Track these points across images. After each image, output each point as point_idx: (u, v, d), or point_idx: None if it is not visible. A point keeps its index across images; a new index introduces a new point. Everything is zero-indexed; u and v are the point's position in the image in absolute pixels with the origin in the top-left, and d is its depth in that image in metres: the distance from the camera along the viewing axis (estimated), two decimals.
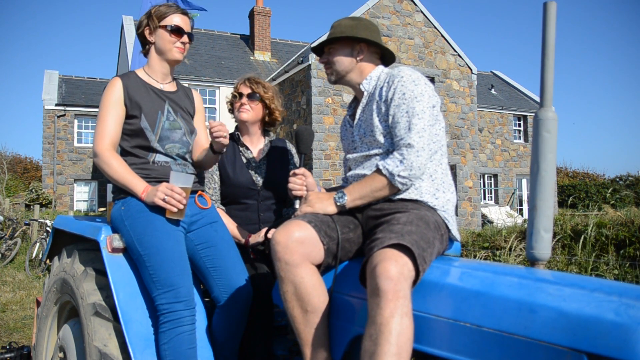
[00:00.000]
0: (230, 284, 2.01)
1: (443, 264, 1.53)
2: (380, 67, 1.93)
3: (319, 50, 2.00)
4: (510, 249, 5.50)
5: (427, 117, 1.68)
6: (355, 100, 1.99)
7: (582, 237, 5.16)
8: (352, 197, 1.71)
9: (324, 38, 1.95)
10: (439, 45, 16.83)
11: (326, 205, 1.72)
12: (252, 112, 2.43)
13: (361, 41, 1.88)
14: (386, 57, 1.99)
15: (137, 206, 1.93)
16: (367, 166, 1.82)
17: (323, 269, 1.63)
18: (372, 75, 1.89)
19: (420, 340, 1.34)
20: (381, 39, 1.94)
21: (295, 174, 1.89)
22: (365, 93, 1.88)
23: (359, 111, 1.90)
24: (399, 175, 1.65)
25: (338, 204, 1.71)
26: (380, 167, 1.69)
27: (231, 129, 2.58)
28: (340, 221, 1.70)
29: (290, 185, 1.90)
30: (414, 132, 1.66)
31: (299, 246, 1.54)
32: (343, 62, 1.90)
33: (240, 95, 2.44)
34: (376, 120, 1.79)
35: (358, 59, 1.89)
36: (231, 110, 2.57)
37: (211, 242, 2.05)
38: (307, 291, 1.54)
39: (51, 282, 2.39)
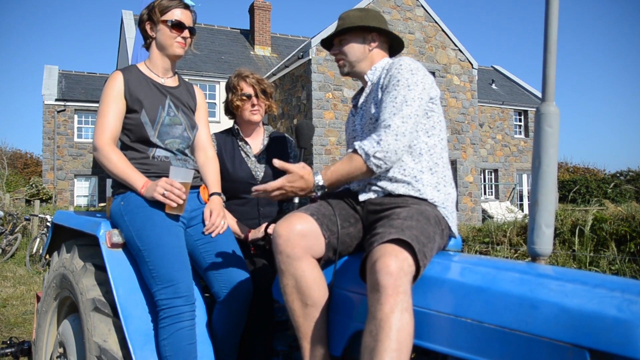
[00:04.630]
0: (230, 280, 2.00)
1: (444, 259, 1.52)
2: (387, 59, 1.93)
3: (327, 43, 1.99)
4: (510, 244, 5.50)
5: (416, 106, 1.66)
6: (361, 91, 1.98)
7: (578, 231, 5.15)
8: (327, 178, 1.64)
9: (332, 30, 1.94)
10: (440, 40, 16.78)
11: (307, 183, 1.63)
12: (261, 111, 2.43)
13: (373, 30, 1.89)
14: (394, 48, 2.00)
15: (137, 201, 1.92)
16: None
17: (323, 262, 1.62)
18: (377, 66, 1.90)
19: (420, 336, 1.33)
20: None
21: None
22: (369, 83, 1.89)
23: (361, 100, 1.91)
24: (374, 156, 1.63)
25: (317, 184, 1.64)
26: (357, 147, 1.66)
27: (229, 124, 2.57)
28: (341, 215, 1.69)
29: None
30: (398, 116, 1.64)
31: (300, 239, 1.53)
32: (355, 51, 1.90)
33: (249, 95, 2.39)
34: (373, 107, 1.79)
35: (370, 47, 1.90)
36: (230, 109, 2.47)
37: (211, 237, 2.04)
38: (308, 285, 1.53)
39: (51, 278, 2.39)
